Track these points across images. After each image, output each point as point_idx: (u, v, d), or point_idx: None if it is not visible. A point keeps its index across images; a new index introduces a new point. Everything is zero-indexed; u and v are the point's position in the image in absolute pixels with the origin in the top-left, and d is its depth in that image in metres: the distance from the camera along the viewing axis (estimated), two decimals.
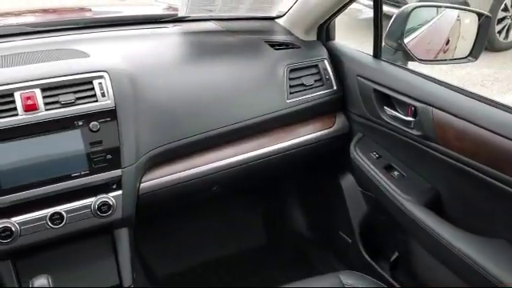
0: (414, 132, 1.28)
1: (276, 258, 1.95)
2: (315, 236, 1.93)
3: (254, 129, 1.42)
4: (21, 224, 1.10)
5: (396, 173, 1.40)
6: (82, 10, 1.86)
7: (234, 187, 1.70)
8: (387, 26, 1.38)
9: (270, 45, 1.52)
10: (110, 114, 1.17)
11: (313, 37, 1.62)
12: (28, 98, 1.11)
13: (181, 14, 1.53)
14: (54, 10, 1.80)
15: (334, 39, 1.66)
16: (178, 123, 1.29)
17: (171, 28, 1.58)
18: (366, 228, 1.63)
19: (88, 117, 1.15)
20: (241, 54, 1.48)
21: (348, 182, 1.65)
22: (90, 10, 1.91)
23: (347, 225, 1.66)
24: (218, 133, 1.34)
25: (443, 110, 1.18)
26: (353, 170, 1.58)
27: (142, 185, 1.26)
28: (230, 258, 1.92)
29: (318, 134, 1.54)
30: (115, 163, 1.18)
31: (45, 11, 1.81)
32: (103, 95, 1.17)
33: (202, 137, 1.31)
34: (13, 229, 1.09)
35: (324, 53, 1.57)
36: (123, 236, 1.27)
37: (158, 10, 1.91)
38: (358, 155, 1.48)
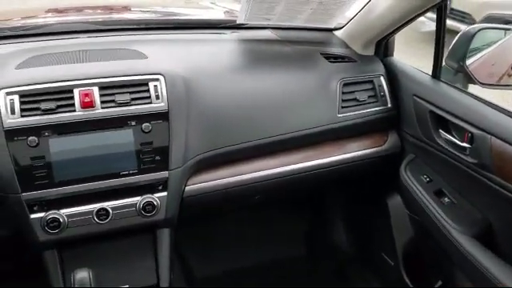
0: (469, 159, 1.22)
1: (313, 271, 1.93)
2: (355, 253, 1.89)
3: (302, 141, 1.41)
4: (69, 216, 1.15)
5: (446, 199, 1.34)
6: (141, 10, 1.92)
7: (277, 197, 1.69)
8: (450, 44, 1.33)
9: (325, 57, 1.50)
10: (163, 117, 1.19)
11: (370, 51, 1.59)
12: (86, 95, 1.15)
13: (239, 21, 1.54)
14: (111, 8, 1.86)
15: (392, 55, 1.61)
16: (228, 130, 1.29)
17: (229, 34, 1.60)
18: (409, 252, 1.58)
19: (141, 118, 1.18)
20: (295, 64, 1.47)
21: (395, 203, 1.59)
22: (150, 10, 1.97)
23: (390, 246, 1.61)
24: (267, 142, 1.34)
25: (503, 140, 1.12)
26: (401, 192, 1.53)
27: (187, 188, 1.28)
28: (267, 266, 1.91)
29: (368, 151, 1.50)
30: (163, 165, 1.20)
31: (106, 8, 1.88)
32: (157, 98, 1.19)
33: (250, 145, 1.31)
34: (61, 220, 1.14)
35: (381, 69, 1.53)
36: (164, 236, 1.29)
37: (216, 14, 1.93)
38: (407, 177, 1.43)
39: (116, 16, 1.84)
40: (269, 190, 1.44)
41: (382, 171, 1.58)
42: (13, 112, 1.10)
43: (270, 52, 1.52)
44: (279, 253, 1.96)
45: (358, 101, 1.46)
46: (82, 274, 1.06)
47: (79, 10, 1.82)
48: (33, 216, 1.12)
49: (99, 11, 1.88)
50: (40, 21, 1.67)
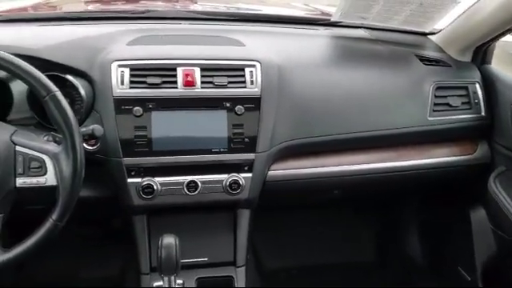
0: None
1: (381, 277, 1.89)
2: (428, 264, 1.83)
3: (387, 140, 1.40)
4: (162, 184, 1.22)
5: None
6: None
7: (354, 195, 1.68)
8: None
9: (419, 59, 1.48)
10: (255, 101, 1.24)
11: (467, 58, 1.54)
12: (188, 74, 1.23)
13: (334, 18, 1.56)
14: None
15: (489, 63, 1.56)
16: (316, 121, 1.32)
17: (322, 31, 1.62)
18: (490, 269, 1.50)
19: (235, 100, 1.24)
20: (388, 63, 1.46)
21: (478, 216, 1.53)
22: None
23: (469, 261, 1.55)
24: (352, 137, 1.34)
25: None
26: (487, 205, 1.47)
27: (270, 172, 1.32)
28: (333, 266, 1.90)
29: (455, 158, 1.46)
30: (251, 147, 1.25)
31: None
32: (252, 83, 1.24)
33: (335, 138, 1.33)
34: (155, 187, 1.21)
35: (477, 76, 1.48)
36: (244, 217, 1.34)
37: (310, 13, 1.96)
38: (497, 189, 1.37)
39: (210, 7, 1.93)
40: (348, 186, 1.44)
41: (466, 181, 1.52)
42: (122, 83, 1.19)
43: (362, 49, 1.53)
44: (346, 255, 1.94)
45: (450, 106, 1.42)
46: (169, 240, 1.12)
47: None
48: (130, 180, 1.21)
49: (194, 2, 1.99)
50: (144, 6, 1.79)
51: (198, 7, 1.74)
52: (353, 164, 1.39)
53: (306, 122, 1.32)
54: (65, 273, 1.73)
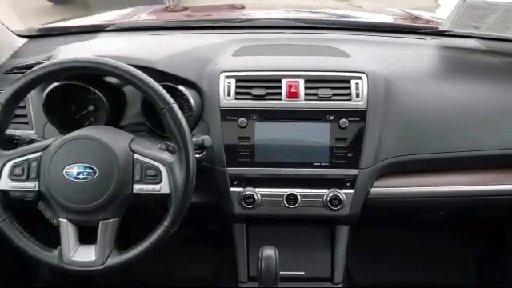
0: None
1: None
2: None
3: (502, 161, 1.29)
4: (262, 195, 1.23)
5: None
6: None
7: (460, 217, 1.58)
8: None
9: None
10: (360, 115, 1.21)
11: None
12: (292, 86, 1.22)
13: (443, 27, 1.48)
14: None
15: None
16: (424, 137, 1.25)
17: (429, 40, 1.54)
18: None
19: (339, 113, 1.21)
20: (504, 77, 1.35)
21: None
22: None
23: None
24: (464, 156, 1.26)
25: None
26: None
27: (372, 189, 1.27)
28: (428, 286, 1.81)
29: None
30: (354, 162, 1.21)
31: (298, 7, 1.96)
32: (357, 95, 1.21)
33: (445, 156, 1.25)
34: (255, 197, 1.22)
35: None
36: (343, 233, 1.31)
37: (415, 20, 1.88)
38: None
39: (310, 15, 1.91)
40: (455, 208, 1.36)
41: None
42: (229, 94, 1.21)
43: (476, 62, 1.43)
44: (443, 277, 1.83)
45: None
46: (270, 252, 1.12)
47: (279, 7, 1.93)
48: (232, 189, 1.23)
49: (294, 10, 1.98)
50: (246, 15, 1.82)
51: (299, 15, 1.73)
52: (462, 185, 1.30)
53: (416, 138, 1.25)
54: (161, 271, 1.81)
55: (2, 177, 1.01)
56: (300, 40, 1.47)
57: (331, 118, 1.21)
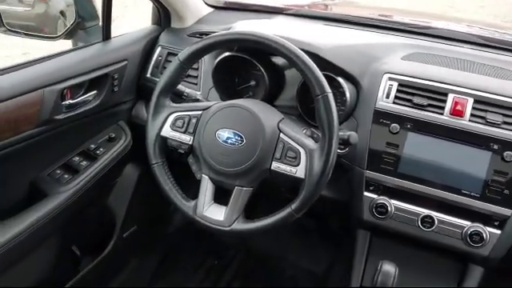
0: None
1: None
2: None
3: None
4: (396, 209, 1.17)
5: None
6: None
7: None
8: None
9: None
10: None
11: None
12: (458, 103, 1.13)
13: None
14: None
15: None
16: None
17: None
18: None
19: (506, 144, 1.09)
20: None
21: None
22: None
23: None
24: None
25: None
26: None
27: None
28: None
29: None
30: (509, 201, 1.08)
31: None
32: None
33: None
34: (388, 209, 1.17)
35: None
36: (476, 274, 1.18)
37: None
38: None
39: (494, 34, 1.73)
40: None
41: None
42: (388, 96, 1.17)
43: None
44: None
45: None
46: (390, 268, 1.07)
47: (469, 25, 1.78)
48: (366, 194, 1.19)
49: (483, 27, 1.80)
50: (426, 22, 1.72)
51: (483, 32, 1.58)
52: None
53: None
54: (275, 253, 1.85)
55: (166, 125, 1.12)
56: (477, 57, 1.34)
57: (495, 147, 1.09)
